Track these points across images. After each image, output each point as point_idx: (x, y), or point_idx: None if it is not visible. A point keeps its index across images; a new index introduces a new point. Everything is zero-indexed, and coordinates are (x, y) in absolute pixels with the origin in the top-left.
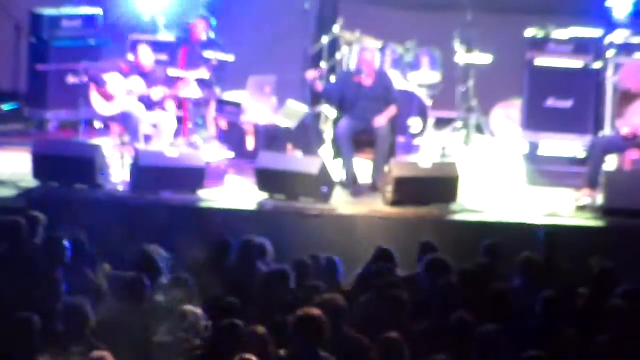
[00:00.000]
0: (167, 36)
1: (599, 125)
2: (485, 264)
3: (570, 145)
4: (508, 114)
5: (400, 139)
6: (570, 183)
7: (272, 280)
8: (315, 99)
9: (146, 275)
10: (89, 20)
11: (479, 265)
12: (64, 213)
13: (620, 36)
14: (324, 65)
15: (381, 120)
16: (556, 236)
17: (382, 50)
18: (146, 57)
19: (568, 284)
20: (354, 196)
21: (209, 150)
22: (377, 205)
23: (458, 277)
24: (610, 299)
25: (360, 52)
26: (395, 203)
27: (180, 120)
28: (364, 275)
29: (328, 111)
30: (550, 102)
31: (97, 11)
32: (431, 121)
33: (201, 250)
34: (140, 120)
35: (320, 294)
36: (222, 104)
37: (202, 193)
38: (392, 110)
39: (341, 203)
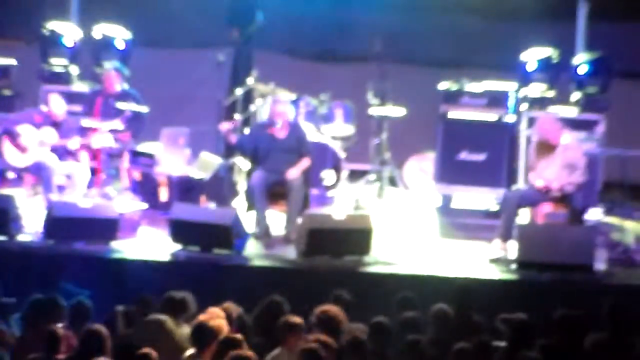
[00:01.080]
0: (81, 87)
1: (512, 178)
2: (399, 317)
3: (484, 198)
4: (421, 167)
5: (314, 191)
6: (483, 236)
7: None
8: (228, 150)
9: None
10: (4, 70)
11: (391, 317)
12: None
13: (533, 90)
14: (237, 117)
15: (294, 172)
16: (468, 289)
17: (296, 102)
18: (58, 106)
19: (482, 337)
20: (267, 248)
21: (122, 201)
22: (290, 257)
23: (370, 330)
24: (525, 352)
25: (273, 104)
26: (308, 254)
27: (93, 171)
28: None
29: (242, 163)
30: (464, 155)
31: (12, 61)
32: (345, 173)
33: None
34: (54, 171)
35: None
36: (135, 155)
37: (115, 244)
38: (305, 162)
39: (254, 254)
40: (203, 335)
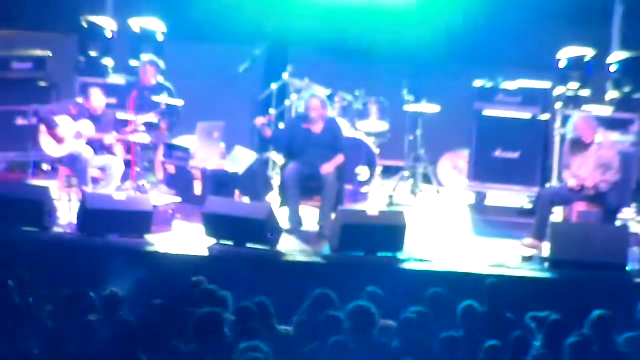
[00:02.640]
0: (116, 79)
1: (546, 176)
2: (428, 313)
3: (517, 196)
4: (455, 164)
5: (348, 187)
6: (517, 234)
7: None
8: (263, 145)
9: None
10: (40, 62)
11: (420, 313)
12: (10, 254)
13: (568, 88)
14: (272, 111)
15: (328, 168)
16: (500, 287)
17: (331, 97)
18: (98, 100)
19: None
20: (301, 243)
21: (156, 195)
22: (324, 252)
23: (399, 325)
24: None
25: (309, 99)
26: (341, 250)
27: (128, 164)
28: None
29: (276, 157)
30: (498, 153)
31: (47, 53)
32: (379, 169)
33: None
34: (89, 163)
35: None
36: (170, 148)
37: (149, 237)
38: (339, 158)
39: (288, 249)
40: None
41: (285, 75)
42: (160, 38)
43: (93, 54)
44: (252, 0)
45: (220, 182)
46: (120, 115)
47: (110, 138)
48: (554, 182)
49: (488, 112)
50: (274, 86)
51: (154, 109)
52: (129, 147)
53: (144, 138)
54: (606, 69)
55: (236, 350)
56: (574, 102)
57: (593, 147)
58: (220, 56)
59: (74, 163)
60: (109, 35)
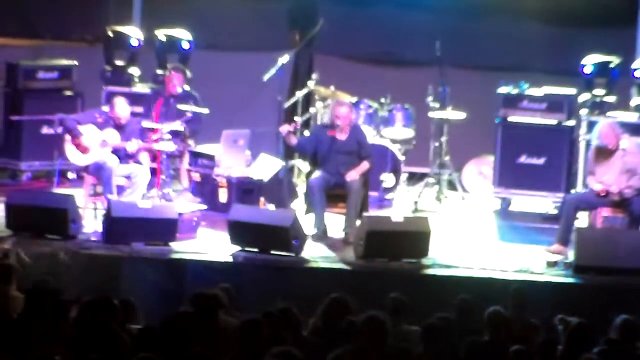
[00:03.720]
0: (142, 88)
1: (571, 182)
2: (452, 319)
3: (542, 202)
4: (480, 170)
5: (373, 194)
6: (542, 239)
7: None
8: (288, 152)
9: None
10: (66, 71)
11: (445, 319)
12: (35, 262)
13: (593, 94)
14: (298, 119)
15: (353, 175)
16: (526, 292)
17: (356, 105)
18: (122, 109)
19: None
20: (326, 249)
21: (181, 202)
22: (349, 259)
23: (424, 332)
24: (583, 355)
25: (335, 106)
26: (366, 256)
27: (153, 172)
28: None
29: (301, 165)
30: (523, 159)
31: (73, 63)
32: (404, 176)
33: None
34: (114, 172)
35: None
36: (195, 156)
37: (174, 244)
38: (364, 165)
39: (313, 256)
40: None
41: (310, 83)
42: (185, 46)
43: (119, 63)
44: (277, 7)
45: (245, 190)
46: (146, 124)
47: (135, 146)
48: (578, 188)
49: (513, 118)
50: (299, 94)
51: (180, 117)
52: (154, 155)
53: (169, 146)
54: (631, 75)
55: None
56: (599, 108)
57: (618, 153)
58: (245, 64)
59: (99, 171)
60: (134, 44)
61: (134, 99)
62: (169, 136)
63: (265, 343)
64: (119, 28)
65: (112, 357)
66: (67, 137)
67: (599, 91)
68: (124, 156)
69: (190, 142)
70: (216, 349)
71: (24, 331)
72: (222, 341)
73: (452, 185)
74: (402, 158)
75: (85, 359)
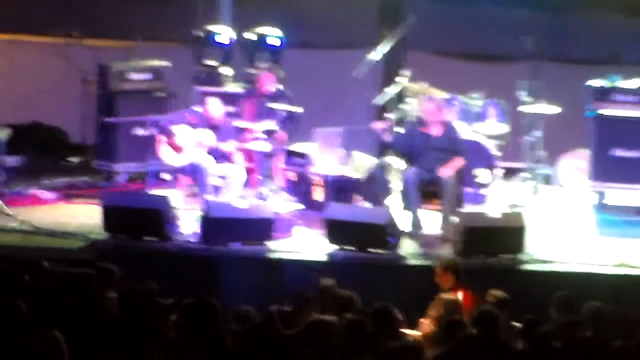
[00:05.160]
0: (234, 88)
1: None
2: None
3: (639, 195)
4: (576, 164)
5: (468, 190)
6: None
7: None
8: (382, 149)
9: None
10: (158, 72)
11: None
12: (133, 265)
13: None
14: (390, 116)
15: (447, 171)
16: (625, 286)
17: (449, 101)
18: (215, 109)
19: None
20: (422, 247)
21: (277, 202)
22: (446, 255)
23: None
24: None
25: (427, 103)
26: (464, 253)
27: (248, 171)
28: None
29: (395, 162)
30: (618, 152)
31: (166, 63)
32: (499, 172)
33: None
34: (209, 172)
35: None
36: (290, 155)
37: (271, 244)
38: (458, 161)
39: (409, 253)
40: None
41: (402, 80)
42: (276, 43)
43: (211, 63)
44: (367, 4)
45: (341, 188)
46: (239, 124)
47: (229, 146)
48: None
49: (605, 111)
50: (391, 90)
51: (273, 116)
52: (249, 155)
53: (264, 146)
54: None
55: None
56: None
57: None
58: (337, 61)
59: (194, 172)
60: (225, 42)
61: (226, 98)
62: (264, 136)
63: (368, 342)
64: (210, 27)
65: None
66: (162, 138)
67: None
68: (218, 156)
69: (285, 141)
70: (316, 348)
71: (123, 334)
72: (323, 340)
73: (547, 180)
74: (496, 153)
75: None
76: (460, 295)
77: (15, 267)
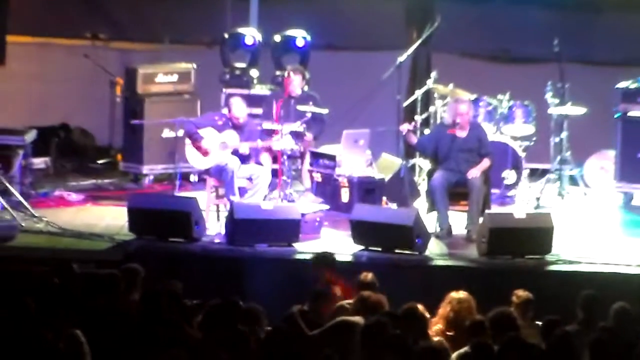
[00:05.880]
0: (261, 90)
1: None
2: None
3: None
4: (602, 165)
5: (495, 191)
6: None
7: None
8: (409, 151)
9: None
10: (185, 74)
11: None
12: (159, 266)
13: None
14: (417, 117)
15: (475, 172)
16: None
17: (475, 102)
18: (239, 109)
19: None
20: (449, 247)
21: (303, 203)
22: (472, 256)
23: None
24: None
25: (454, 104)
26: (490, 254)
27: (274, 173)
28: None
29: (422, 163)
30: None
31: (192, 66)
32: (525, 173)
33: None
34: (235, 174)
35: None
36: (316, 156)
37: (297, 245)
38: (485, 163)
39: (436, 254)
40: None
41: (429, 81)
42: (300, 43)
43: (237, 65)
44: (394, 6)
45: (367, 189)
46: (266, 125)
47: (255, 147)
48: None
49: (633, 113)
50: (418, 92)
51: (299, 118)
52: (275, 156)
53: (290, 147)
54: None
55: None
56: None
57: None
58: (365, 63)
59: (220, 173)
60: (249, 42)
61: (253, 100)
62: (290, 137)
63: (388, 344)
64: (237, 30)
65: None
66: (188, 140)
67: None
68: (244, 157)
69: (311, 143)
70: (339, 348)
71: (147, 334)
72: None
73: (574, 181)
74: (522, 154)
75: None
76: (337, 289)
77: (44, 269)
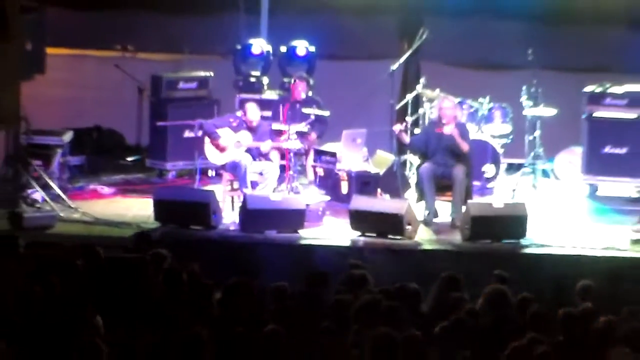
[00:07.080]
0: (270, 95)
1: None
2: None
3: (626, 187)
4: (570, 160)
5: (476, 183)
6: (627, 220)
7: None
8: (400, 148)
9: None
10: (203, 81)
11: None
12: (181, 250)
13: None
14: (408, 119)
15: (451, 129)
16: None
17: (459, 105)
18: (253, 114)
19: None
20: (436, 233)
21: (308, 195)
22: (456, 241)
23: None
24: None
25: (442, 100)
26: (472, 239)
27: (282, 168)
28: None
29: (412, 159)
30: (607, 149)
31: (210, 74)
32: (503, 167)
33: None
34: (248, 169)
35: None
36: (319, 153)
37: (302, 232)
38: (465, 145)
39: (424, 239)
40: None
41: (418, 87)
42: (302, 52)
43: (250, 72)
44: (388, 20)
45: (364, 182)
46: (275, 126)
47: (266, 146)
48: None
49: (598, 113)
50: (408, 96)
51: (304, 119)
52: (283, 154)
53: (296, 145)
54: None
55: None
56: None
57: None
58: (363, 71)
59: (235, 169)
60: (257, 52)
61: (263, 104)
62: (296, 136)
63: (383, 318)
64: (247, 41)
65: (255, 331)
66: (206, 139)
67: None
68: (256, 155)
69: (315, 141)
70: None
71: (169, 312)
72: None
73: (545, 174)
74: (501, 151)
75: (231, 333)
76: None
77: (72, 254)
